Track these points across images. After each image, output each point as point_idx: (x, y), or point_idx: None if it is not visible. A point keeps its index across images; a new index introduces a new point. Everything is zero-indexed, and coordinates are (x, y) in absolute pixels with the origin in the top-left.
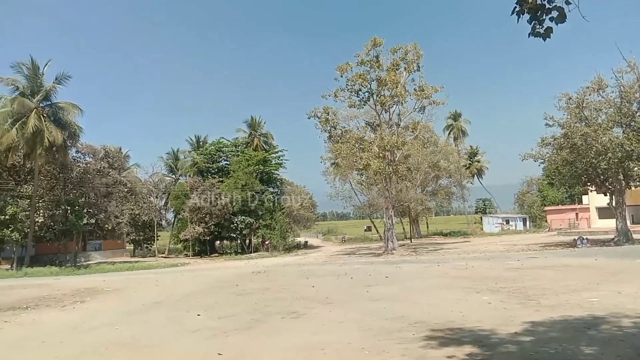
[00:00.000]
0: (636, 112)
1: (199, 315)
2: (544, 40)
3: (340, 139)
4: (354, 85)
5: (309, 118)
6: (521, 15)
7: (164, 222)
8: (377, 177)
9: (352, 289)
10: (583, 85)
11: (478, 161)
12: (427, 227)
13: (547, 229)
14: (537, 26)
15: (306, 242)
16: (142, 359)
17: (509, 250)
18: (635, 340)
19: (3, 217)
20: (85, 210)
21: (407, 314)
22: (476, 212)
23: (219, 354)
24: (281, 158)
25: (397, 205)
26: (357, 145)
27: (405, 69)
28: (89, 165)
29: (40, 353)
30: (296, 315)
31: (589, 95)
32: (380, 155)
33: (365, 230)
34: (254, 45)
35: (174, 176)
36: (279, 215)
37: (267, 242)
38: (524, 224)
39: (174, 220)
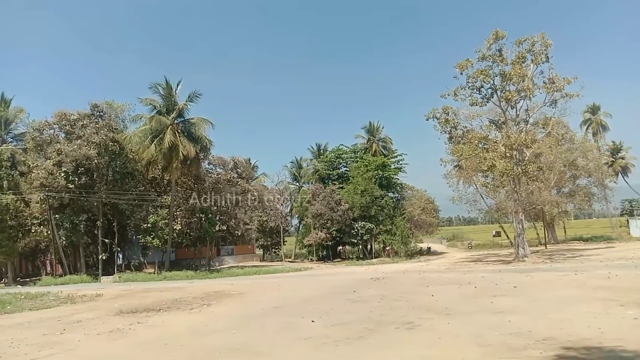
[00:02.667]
0: None
1: (313, 321)
2: None
3: (462, 139)
4: (476, 82)
5: (427, 120)
6: None
7: (291, 228)
8: (504, 178)
9: (474, 299)
10: None
11: (622, 158)
12: (565, 231)
13: None
14: None
15: (429, 248)
16: None
17: None
18: None
19: (146, 225)
20: (217, 218)
21: (535, 329)
22: (622, 215)
23: None
24: (400, 162)
25: (528, 208)
26: (480, 146)
27: (532, 60)
28: (220, 175)
29: (159, 355)
30: (411, 326)
31: None
32: (507, 154)
33: (494, 236)
34: (373, 56)
35: (297, 184)
36: (400, 221)
37: (388, 248)
38: None
39: (299, 226)
